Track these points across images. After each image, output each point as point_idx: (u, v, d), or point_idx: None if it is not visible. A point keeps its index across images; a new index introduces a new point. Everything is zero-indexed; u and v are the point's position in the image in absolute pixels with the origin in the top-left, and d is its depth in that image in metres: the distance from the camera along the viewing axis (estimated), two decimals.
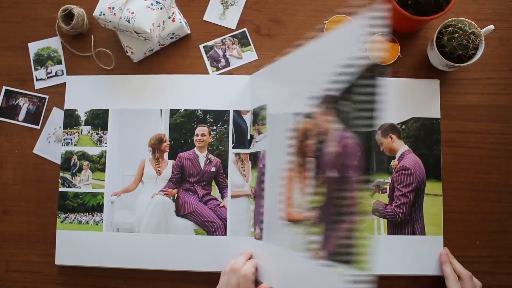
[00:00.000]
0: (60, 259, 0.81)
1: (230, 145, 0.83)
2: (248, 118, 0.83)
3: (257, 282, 0.74)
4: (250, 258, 0.77)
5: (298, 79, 0.73)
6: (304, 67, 0.72)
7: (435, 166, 0.82)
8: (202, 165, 0.82)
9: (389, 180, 0.81)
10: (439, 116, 0.83)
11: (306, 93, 0.69)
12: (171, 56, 0.86)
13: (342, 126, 0.64)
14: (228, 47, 0.86)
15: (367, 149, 0.66)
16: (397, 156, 0.82)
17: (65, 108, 0.85)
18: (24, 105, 0.86)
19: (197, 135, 0.83)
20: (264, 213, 0.76)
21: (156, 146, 0.83)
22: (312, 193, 0.67)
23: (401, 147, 0.82)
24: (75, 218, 0.82)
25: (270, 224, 0.76)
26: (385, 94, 0.75)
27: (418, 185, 0.81)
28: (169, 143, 0.83)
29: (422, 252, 0.80)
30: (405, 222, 0.81)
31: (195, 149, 0.83)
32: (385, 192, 0.81)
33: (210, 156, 0.82)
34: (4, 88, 0.86)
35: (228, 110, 0.83)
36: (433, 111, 0.83)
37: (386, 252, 0.80)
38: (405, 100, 0.83)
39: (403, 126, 0.82)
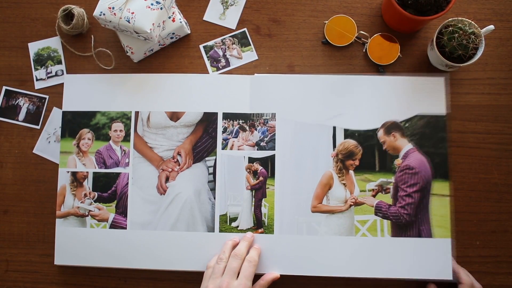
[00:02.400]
0: (59, 259, 0.81)
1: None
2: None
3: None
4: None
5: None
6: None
7: (442, 165, 0.79)
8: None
9: (393, 180, 0.80)
10: (445, 113, 0.80)
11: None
12: (171, 56, 0.86)
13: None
14: (228, 47, 0.86)
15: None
16: (401, 154, 0.80)
17: (63, 109, 0.84)
18: (24, 105, 0.86)
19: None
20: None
21: None
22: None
23: (405, 146, 0.80)
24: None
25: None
26: (388, 91, 0.82)
27: (423, 185, 0.79)
28: None
29: (429, 256, 0.77)
30: (410, 223, 0.78)
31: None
32: (389, 192, 0.80)
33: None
34: (4, 88, 0.86)
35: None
36: (439, 108, 0.80)
37: (390, 255, 0.78)
38: (409, 97, 0.81)
39: (407, 124, 0.80)
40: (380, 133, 0.81)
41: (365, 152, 0.81)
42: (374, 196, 0.80)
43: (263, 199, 0.81)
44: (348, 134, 0.81)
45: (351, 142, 0.81)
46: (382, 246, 0.78)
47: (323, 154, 0.81)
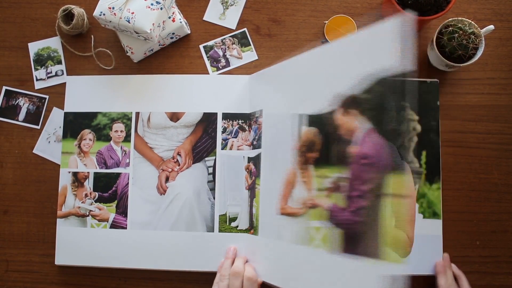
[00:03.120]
0: (60, 258, 0.81)
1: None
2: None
3: None
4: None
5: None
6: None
7: (403, 148, 0.59)
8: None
9: (347, 175, 0.59)
10: (405, 68, 0.53)
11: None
12: (171, 56, 0.86)
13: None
14: (228, 47, 0.86)
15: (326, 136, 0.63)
16: (357, 139, 0.59)
17: (64, 110, 0.85)
18: (24, 105, 0.86)
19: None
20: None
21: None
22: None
23: (362, 126, 0.58)
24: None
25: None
26: (338, 60, 0.62)
27: (380, 181, 0.56)
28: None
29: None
30: (360, 236, 0.56)
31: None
32: (344, 191, 0.60)
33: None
34: (4, 88, 0.87)
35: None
36: (402, 60, 0.53)
37: (339, 279, 0.57)
38: (363, 59, 0.57)
39: (369, 96, 0.57)
40: (338, 114, 0.62)
41: (324, 141, 0.64)
42: (328, 196, 0.62)
43: (254, 199, 0.80)
44: (313, 121, 0.65)
45: (312, 130, 0.66)
46: (332, 264, 0.59)
47: (290, 148, 0.70)
